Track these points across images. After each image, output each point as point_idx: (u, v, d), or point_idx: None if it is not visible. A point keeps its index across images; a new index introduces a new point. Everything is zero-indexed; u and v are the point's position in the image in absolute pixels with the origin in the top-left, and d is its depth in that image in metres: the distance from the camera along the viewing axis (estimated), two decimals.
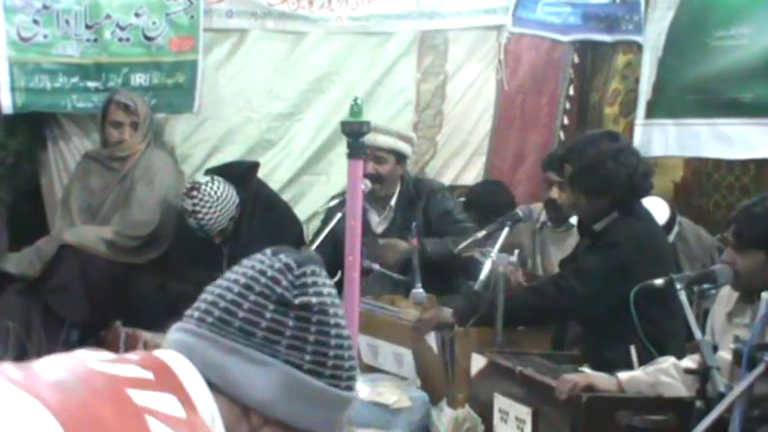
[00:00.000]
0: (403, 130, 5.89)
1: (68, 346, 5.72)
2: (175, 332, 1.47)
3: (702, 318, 4.20)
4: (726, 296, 3.98)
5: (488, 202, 5.94)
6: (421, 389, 4.59)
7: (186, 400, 1.37)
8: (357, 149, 3.97)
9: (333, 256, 5.32)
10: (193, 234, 5.68)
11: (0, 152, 6.13)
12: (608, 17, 6.75)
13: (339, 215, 4.90)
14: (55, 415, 1.26)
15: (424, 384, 4.64)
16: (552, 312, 4.53)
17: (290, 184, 6.52)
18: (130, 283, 5.86)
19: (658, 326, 4.16)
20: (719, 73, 5.89)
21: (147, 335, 5.63)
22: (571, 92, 6.95)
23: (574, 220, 5.13)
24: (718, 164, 6.08)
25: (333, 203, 5.42)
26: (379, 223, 5.67)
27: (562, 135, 6.91)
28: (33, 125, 6.23)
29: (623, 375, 3.80)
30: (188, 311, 1.49)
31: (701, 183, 6.21)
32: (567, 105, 6.95)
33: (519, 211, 4.87)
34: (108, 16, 6.11)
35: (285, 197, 6.24)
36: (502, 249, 4.57)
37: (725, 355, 3.53)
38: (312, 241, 5.35)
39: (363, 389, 4.39)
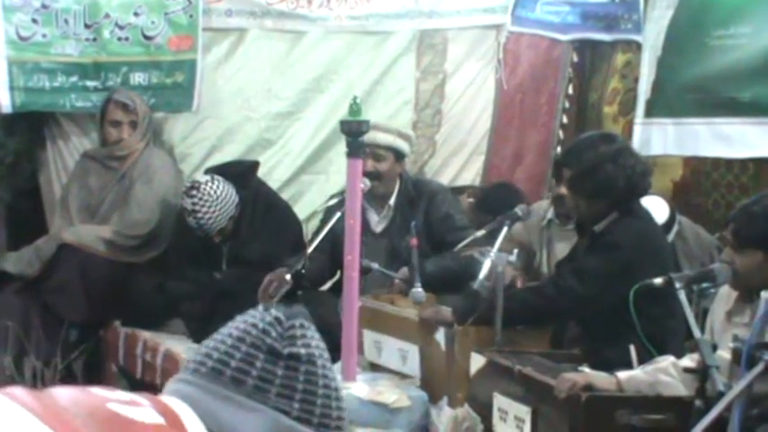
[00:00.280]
0: (402, 129, 5.88)
1: (67, 345, 5.73)
2: (174, 383, 1.55)
3: (702, 317, 4.20)
4: (725, 295, 3.98)
5: (500, 204, 5.92)
6: (420, 388, 4.58)
7: None
8: (356, 148, 3.98)
9: (332, 255, 5.35)
10: (193, 233, 5.66)
11: None
12: (607, 16, 6.75)
13: (338, 214, 4.89)
14: None
15: (424, 383, 4.63)
16: (551, 312, 4.52)
17: (289, 183, 6.51)
18: (129, 283, 5.85)
19: (658, 325, 4.16)
20: (718, 72, 5.89)
21: (146, 334, 5.64)
22: (570, 91, 6.96)
23: None
24: (717, 163, 6.08)
25: (332, 202, 5.41)
26: (378, 222, 5.66)
27: (561, 134, 6.92)
28: (32, 124, 6.22)
29: (622, 374, 3.80)
30: (186, 364, 1.57)
31: (700, 182, 6.21)
32: (567, 104, 6.96)
33: (518, 210, 4.86)
34: (107, 15, 6.10)
35: (284, 196, 6.23)
36: (506, 247, 4.57)
37: (724, 354, 3.52)
38: (311, 240, 5.34)
39: (363, 388, 4.39)
